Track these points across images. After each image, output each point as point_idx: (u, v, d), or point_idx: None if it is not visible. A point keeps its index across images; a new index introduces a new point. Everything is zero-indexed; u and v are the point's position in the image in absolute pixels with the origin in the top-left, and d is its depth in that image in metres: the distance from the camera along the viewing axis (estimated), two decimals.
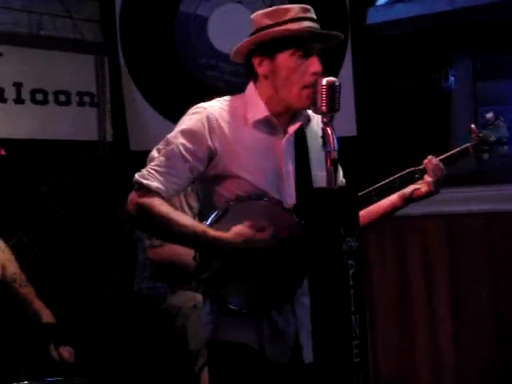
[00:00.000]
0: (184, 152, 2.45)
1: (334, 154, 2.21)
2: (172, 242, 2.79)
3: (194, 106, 2.54)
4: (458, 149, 2.76)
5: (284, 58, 2.45)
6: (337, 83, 2.28)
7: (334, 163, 2.20)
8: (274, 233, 2.43)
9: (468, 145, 2.77)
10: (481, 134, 2.77)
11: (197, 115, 2.49)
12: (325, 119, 2.27)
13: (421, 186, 2.70)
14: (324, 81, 2.27)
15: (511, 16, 4.21)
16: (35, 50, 4.47)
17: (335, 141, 2.23)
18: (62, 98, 4.57)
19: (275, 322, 2.50)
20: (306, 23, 2.47)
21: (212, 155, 2.46)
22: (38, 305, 3.48)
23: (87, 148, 4.71)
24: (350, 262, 2.15)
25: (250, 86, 2.55)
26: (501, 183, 4.27)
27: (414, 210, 4.26)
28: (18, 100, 4.40)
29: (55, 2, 4.54)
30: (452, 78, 4.49)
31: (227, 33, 4.40)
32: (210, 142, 2.45)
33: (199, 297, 2.86)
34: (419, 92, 4.56)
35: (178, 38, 4.64)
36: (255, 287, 2.45)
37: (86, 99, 4.69)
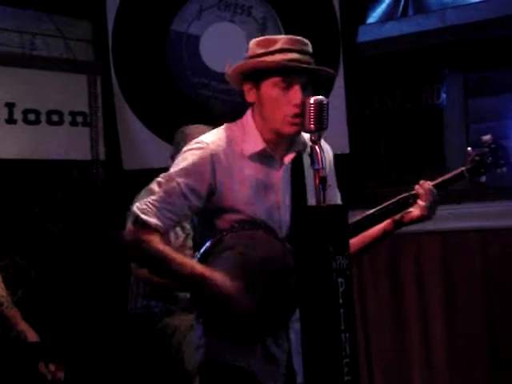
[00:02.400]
0: (185, 190, 2.43)
1: (323, 172, 2.21)
2: (168, 278, 2.78)
3: (197, 140, 2.52)
4: (452, 173, 2.75)
5: (268, 88, 2.45)
6: (324, 101, 2.28)
7: (323, 181, 2.20)
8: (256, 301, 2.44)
9: (463, 169, 2.76)
10: (477, 158, 2.76)
11: (200, 152, 2.46)
12: (313, 137, 2.27)
13: (413, 210, 2.69)
14: (312, 99, 2.27)
15: (502, 33, 4.22)
16: (28, 70, 4.48)
17: (324, 159, 2.23)
18: (55, 117, 4.58)
19: (268, 346, 2.50)
20: (293, 55, 2.44)
21: (213, 192, 2.46)
22: (23, 326, 3.47)
23: (80, 167, 4.71)
24: (340, 280, 2.14)
25: (248, 113, 2.55)
26: (496, 199, 4.27)
27: (408, 226, 4.32)
28: (11, 120, 4.40)
29: (48, 23, 4.55)
30: (444, 95, 4.50)
31: (219, 51, 4.42)
32: (212, 181, 2.45)
33: None
34: (411, 109, 4.57)
35: (171, 57, 4.66)
36: (250, 316, 2.44)
37: (79, 119, 4.70)
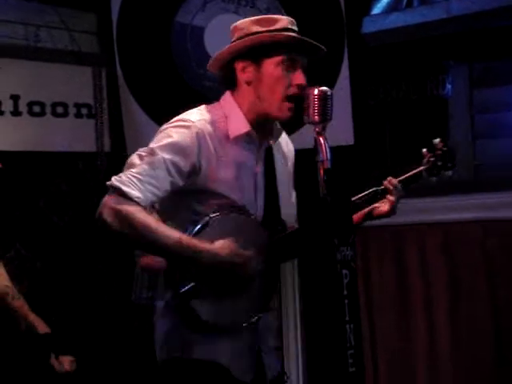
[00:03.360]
0: (170, 165, 2.37)
1: (327, 164, 2.21)
2: (151, 252, 2.54)
3: (180, 117, 2.47)
4: (412, 172, 2.78)
5: (270, 66, 2.45)
6: (329, 93, 2.28)
7: (327, 172, 2.21)
8: (255, 254, 2.41)
9: (422, 168, 2.80)
10: (432, 159, 2.79)
11: (186, 130, 2.41)
12: (317, 129, 2.27)
13: (381, 205, 2.72)
14: (316, 90, 2.28)
15: (507, 23, 4.21)
16: (32, 62, 4.48)
17: (328, 150, 2.23)
18: (60, 109, 4.58)
19: (239, 339, 2.47)
20: (294, 35, 2.48)
21: (195, 171, 2.41)
22: (33, 318, 3.46)
23: (85, 159, 4.71)
24: (345, 271, 2.16)
25: (227, 96, 2.53)
26: (497, 191, 4.27)
27: (411, 218, 4.33)
28: (16, 112, 4.40)
29: (52, 14, 4.55)
30: (448, 86, 4.49)
31: (224, 43, 4.40)
32: (196, 159, 2.40)
33: None
34: (416, 100, 4.56)
35: (175, 49, 4.65)
36: (228, 303, 2.42)
37: (84, 111, 4.69)
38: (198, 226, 2.39)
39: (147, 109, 4.67)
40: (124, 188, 2.32)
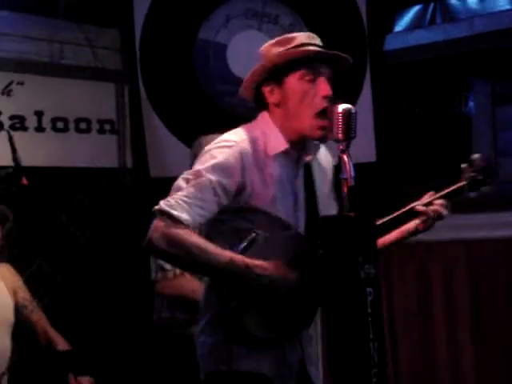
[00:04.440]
0: (216, 186, 2.39)
1: (351, 181, 2.21)
2: (202, 273, 2.61)
3: (222, 138, 2.50)
4: (454, 187, 2.76)
5: (293, 82, 2.46)
6: (353, 110, 2.27)
7: (351, 190, 2.20)
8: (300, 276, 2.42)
9: (464, 183, 2.77)
10: (472, 174, 2.77)
11: (229, 150, 2.43)
12: (341, 146, 2.26)
13: (423, 220, 2.67)
14: (340, 108, 2.27)
15: None
16: (56, 79, 4.52)
17: (352, 168, 2.22)
18: (83, 125, 4.61)
19: (283, 352, 2.49)
20: (312, 48, 2.49)
21: (240, 190, 2.43)
22: (53, 333, 3.46)
23: (107, 175, 4.74)
24: (369, 289, 2.14)
25: (264, 115, 2.54)
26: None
27: (435, 235, 4.30)
28: (39, 128, 4.44)
29: (76, 32, 4.59)
30: (471, 103, 4.49)
31: (246, 60, 4.41)
32: (241, 179, 2.42)
33: None
34: (439, 117, 4.56)
35: (198, 65, 4.67)
36: (274, 316, 2.43)
37: (107, 127, 4.72)
38: (245, 243, 2.40)
39: (169, 125, 4.69)
40: (173, 212, 2.34)
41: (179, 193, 2.38)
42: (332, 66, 2.51)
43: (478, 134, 4.53)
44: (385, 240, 2.71)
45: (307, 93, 2.44)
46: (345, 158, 2.25)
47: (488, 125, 4.52)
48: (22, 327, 3.40)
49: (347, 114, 2.26)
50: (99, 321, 4.58)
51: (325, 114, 2.41)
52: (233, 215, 2.46)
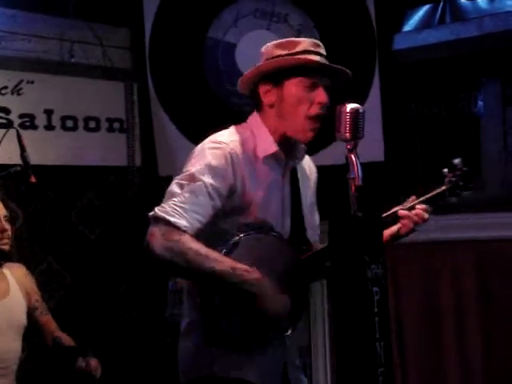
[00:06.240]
0: (210, 189, 2.37)
1: (359, 181, 2.21)
2: (200, 280, 2.48)
3: (212, 139, 2.49)
4: (435, 192, 2.76)
5: (291, 87, 2.48)
6: (360, 110, 2.27)
7: (359, 190, 2.20)
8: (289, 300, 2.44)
9: (444, 188, 2.76)
10: (453, 179, 2.76)
11: (220, 151, 2.42)
12: (349, 146, 2.26)
13: (403, 225, 2.67)
14: (348, 108, 2.26)
15: None
16: (66, 78, 4.53)
17: (359, 167, 2.22)
18: (92, 124, 4.62)
19: (265, 355, 2.47)
20: (315, 57, 2.50)
21: (232, 192, 2.42)
22: (59, 333, 3.47)
23: (116, 173, 4.75)
24: (375, 289, 2.14)
25: (255, 116, 2.56)
26: None
27: (443, 235, 4.30)
28: (49, 127, 4.45)
29: (86, 30, 4.60)
30: (481, 103, 4.47)
31: (255, 59, 4.42)
32: (233, 181, 2.41)
33: None
34: (448, 117, 4.55)
35: (207, 64, 4.68)
36: (257, 320, 2.42)
37: (116, 125, 4.74)
38: (230, 246, 2.40)
39: (178, 124, 4.70)
40: (170, 218, 2.32)
41: (174, 199, 2.36)
42: (331, 77, 2.53)
43: (486, 134, 4.51)
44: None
45: (303, 98, 2.47)
46: (352, 157, 2.24)
47: (497, 124, 4.50)
48: (31, 328, 3.41)
49: (355, 113, 2.26)
50: (109, 318, 4.60)
51: (318, 119, 2.46)
52: (219, 217, 2.44)
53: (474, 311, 4.35)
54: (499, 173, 4.39)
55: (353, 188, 2.21)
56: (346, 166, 2.24)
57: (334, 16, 4.46)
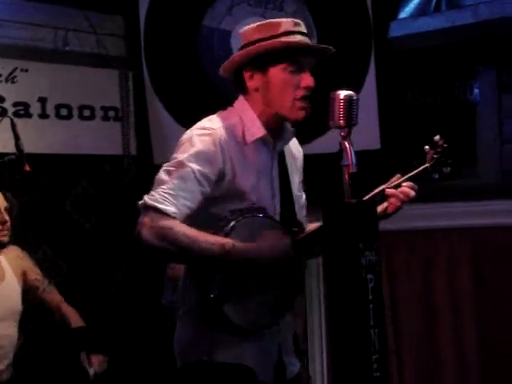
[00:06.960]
0: (198, 175, 2.37)
1: (353, 168, 2.20)
2: (194, 263, 2.47)
3: (200, 126, 2.48)
4: (418, 169, 2.75)
5: (276, 72, 2.47)
6: (354, 97, 2.26)
7: (352, 177, 2.19)
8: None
9: (427, 165, 2.75)
10: (435, 155, 2.75)
11: (208, 137, 2.41)
12: (342, 133, 2.25)
13: (390, 203, 2.64)
14: (342, 94, 2.25)
15: None
16: (60, 66, 4.53)
17: (353, 155, 2.21)
18: (87, 112, 4.62)
19: (262, 339, 2.49)
20: (298, 37, 2.49)
21: (221, 178, 2.42)
22: (66, 309, 3.47)
23: (111, 162, 4.75)
24: (369, 276, 2.14)
25: (241, 100, 2.55)
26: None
27: (438, 223, 4.30)
28: (43, 115, 4.45)
29: (80, 18, 4.59)
30: (476, 91, 4.46)
31: None
32: (221, 166, 2.41)
33: None
34: (443, 105, 4.54)
35: (202, 52, 4.66)
36: (254, 305, 2.44)
37: (111, 114, 4.73)
38: (226, 230, 2.40)
39: (173, 112, 4.69)
40: (159, 205, 2.32)
41: (163, 186, 2.35)
42: (315, 56, 2.52)
43: (482, 122, 4.51)
44: None
45: (290, 83, 2.46)
46: (346, 144, 2.23)
47: (493, 112, 4.49)
48: (34, 309, 3.41)
49: (349, 100, 2.25)
50: (104, 306, 4.60)
51: (305, 99, 2.45)
52: (210, 202, 2.43)
53: (469, 298, 4.36)
54: (495, 160, 4.38)
55: (346, 175, 2.21)
56: (340, 153, 2.24)
57: (329, 3, 4.44)
